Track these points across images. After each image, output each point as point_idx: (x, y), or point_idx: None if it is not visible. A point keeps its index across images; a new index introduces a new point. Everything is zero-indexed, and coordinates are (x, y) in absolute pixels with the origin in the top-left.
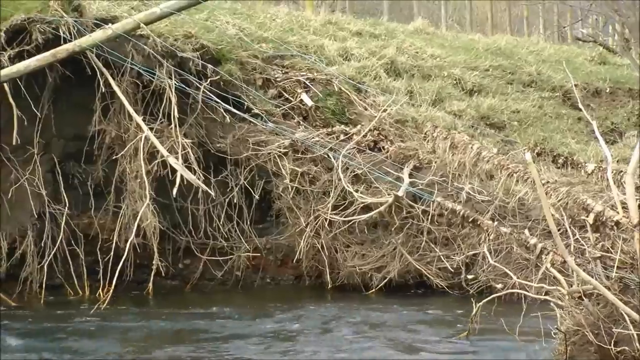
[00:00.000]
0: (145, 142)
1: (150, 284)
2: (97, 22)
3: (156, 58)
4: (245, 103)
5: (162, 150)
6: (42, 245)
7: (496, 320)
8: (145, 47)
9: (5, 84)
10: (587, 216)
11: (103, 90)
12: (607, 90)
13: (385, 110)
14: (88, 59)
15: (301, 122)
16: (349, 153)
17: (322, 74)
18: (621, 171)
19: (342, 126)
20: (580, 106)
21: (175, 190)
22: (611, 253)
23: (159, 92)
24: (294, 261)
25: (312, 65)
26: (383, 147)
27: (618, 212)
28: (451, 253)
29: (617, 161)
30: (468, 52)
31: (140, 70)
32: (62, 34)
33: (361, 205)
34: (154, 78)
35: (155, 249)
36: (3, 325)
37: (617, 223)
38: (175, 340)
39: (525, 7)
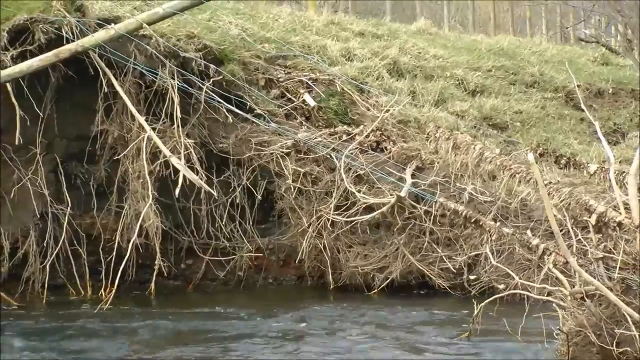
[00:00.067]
0: (148, 142)
1: (153, 284)
2: (100, 22)
3: (159, 58)
4: (248, 103)
5: (165, 150)
6: (45, 245)
7: (498, 321)
8: (147, 47)
9: (8, 84)
10: (590, 217)
11: (106, 90)
12: (610, 91)
13: (387, 111)
14: (91, 59)
15: (304, 123)
16: (352, 153)
17: (325, 74)
18: (624, 172)
19: (345, 126)
20: (583, 107)
21: (177, 191)
22: (613, 254)
23: (161, 92)
24: (297, 261)
25: (314, 66)
26: (385, 148)
27: (620, 213)
28: (453, 254)
29: (620, 162)
30: (471, 53)
31: (143, 71)
32: (64, 34)
33: (363, 205)
34: (156, 78)
35: (158, 249)
36: (6, 325)
37: (620, 224)
38: (180, 341)
39: (527, 8)
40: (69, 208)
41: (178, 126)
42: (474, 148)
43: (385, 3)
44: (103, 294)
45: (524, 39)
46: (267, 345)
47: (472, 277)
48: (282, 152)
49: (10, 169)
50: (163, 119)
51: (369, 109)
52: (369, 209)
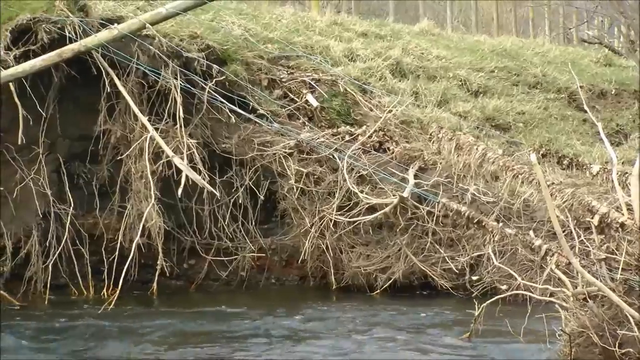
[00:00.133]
0: (151, 142)
1: (155, 284)
2: (103, 22)
3: (162, 58)
4: (251, 103)
5: (168, 150)
6: (47, 245)
7: (501, 321)
8: (150, 47)
9: (11, 84)
10: (592, 218)
11: (108, 90)
12: (613, 92)
13: (390, 111)
14: (94, 59)
15: (306, 123)
16: (354, 154)
17: (328, 75)
18: (626, 173)
19: (348, 127)
20: (586, 108)
21: (180, 191)
22: (616, 255)
23: (164, 93)
24: (299, 262)
25: (317, 66)
26: (388, 148)
27: (623, 214)
28: (456, 254)
29: (622, 163)
30: (473, 54)
31: (146, 71)
32: (67, 33)
33: (366, 206)
34: (159, 78)
35: (160, 249)
36: (9, 326)
37: (622, 225)
38: (184, 341)
39: (530, 9)
40: (71, 208)
41: (181, 126)
42: (476, 149)
43: (388, 4)
44: (105, 293)
45: (527, 40)
46: (270, 346)
47: (474, 278)
48: (285, 152)
49: (13, 169)
50: (166, 119)
51: (371, 110)
52: (372, 209)
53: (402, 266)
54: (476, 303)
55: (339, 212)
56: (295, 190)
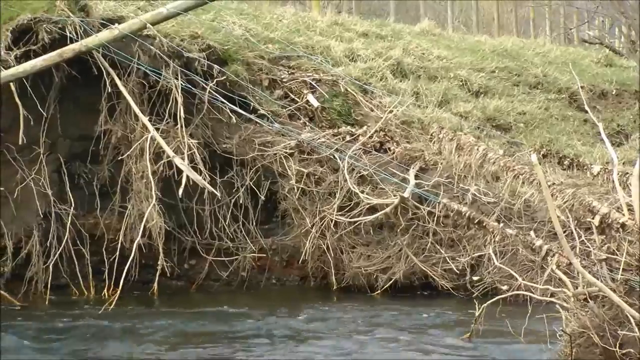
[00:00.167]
0: (151, 142)
1: (156, 285)
2: (104, 22)
3: (162, 58)
4: (252, 104)
5: (168, 150)
6: (48, 245)
7: (501, 322)
8: (151, 47)
9: (11, 84)
10: (593, 218)
11: (109, 90)
12: (613, 92)
13: (391, 112)
14: (94, 59)
15: (307, 123)
16: (355, 154)
17: (329, 75)
18: (627, 173)
19: (348, 127)
20: (587, 108)
21: (181, 191)
22: (617, 255)
23: (165, 93)
24: (300, 262)
25: (318, 66)
26: (389, 148)
27: (624, 214)
28: (457, 254)
29: (623, 163)
30: (474, 54)
31: (147, 71)
32: (68, 33)
33: (367, 206)
34: (160, 78)
35: (161, 249)
36: (10, 326)
37: (623, 225)
38: (186, 341)
39: (531, 9)
40: (72, 208)
41: (181, 126)
42: (477, 149)
43: (389, 4)
44: (106, 293)
45: (528, 40)
46: (272, 346)
47: (475, 278)
48: (286, 152)
49: (14, 169)
50: (166, 119)
51: (372, 110)
52: (373, 209)
53: (403, 266)
54: (477, 303)
55: (339, 213)
56: (296, 190)
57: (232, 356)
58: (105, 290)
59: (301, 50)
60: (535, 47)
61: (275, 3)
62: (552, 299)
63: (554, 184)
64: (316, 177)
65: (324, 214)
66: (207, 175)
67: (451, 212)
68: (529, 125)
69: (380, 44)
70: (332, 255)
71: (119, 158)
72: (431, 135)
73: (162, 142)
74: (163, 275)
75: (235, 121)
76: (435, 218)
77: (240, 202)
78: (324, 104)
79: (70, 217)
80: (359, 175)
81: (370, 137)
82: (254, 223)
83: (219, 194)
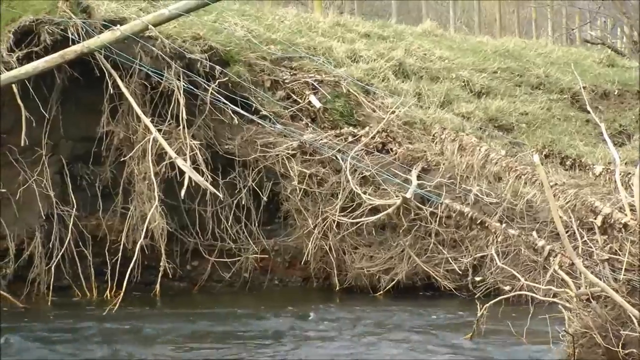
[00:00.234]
0: (154, 143)
1: (158, 286)
2: (106, 23)
3: (164, 59)
4: (254, 104)
5: (170, 151)
6: (50, 246)
7: (504, 322)
8: (153, 48)
9: (13, 85)
10: (595, 218)
11: (111, 92)
12: (616, 93)
13: (393, 112)
14: (96, 60)
15: (309, 124)
16: (357, 155)
17: (331, 76)
18: (629, 173)
19: (351, 128)
20: (589, 108)
21: (183, 192)
22: (619, 255)
23: (167, 94)
24: (302, 263)
25: (320, 67)
26: (391, 149)
27: (626, 214)
28: (459, 255)
29: (625, 163)
30: (476, 54)
31: (149, 72)
32: (70, 35)
33: (369, 207)
34: (162, 79)
35: (163, 251)
36: (13, 327)
37: (625, 225)
38: (188, 342)
39: (533, 10)
40: (74, 209)
41: (184, 127)
42: (479, 149)
43: (391, 4)
44: (108, 295)
45: (530, 41)
46: (278, 347)
47: (477, 279)
48: (288, 153)
49: (16, 170)
50: (169, 121)
51: (374, 111)
52: (375, 210)
53: (405, 267)
54: (479, 304)
55: (342, 213)
56: (298, 191)
57: (243, 357)
58: (108, 291)
59: (303, 51)
60: (538, 48)
61: (277, 4)
62: (555, 300)
63: (556, 184)
64: (318, 178)
65: (326, 215)
66: (209, 177)
67: (453, 212)
68: (531, 126)
69: (382, 45)
70: (335, 256)
71: (121, 159)
72: (433, 135)
73: (164, 144)
74: (165, 276)
75: (237, 122)
76: (438, 219)
77: (243, 203)
78: (326, 105)
79: (72, 219)
80: (361, 176)
81: (373, 138)
82: (257, 224)
83: (221, 195)
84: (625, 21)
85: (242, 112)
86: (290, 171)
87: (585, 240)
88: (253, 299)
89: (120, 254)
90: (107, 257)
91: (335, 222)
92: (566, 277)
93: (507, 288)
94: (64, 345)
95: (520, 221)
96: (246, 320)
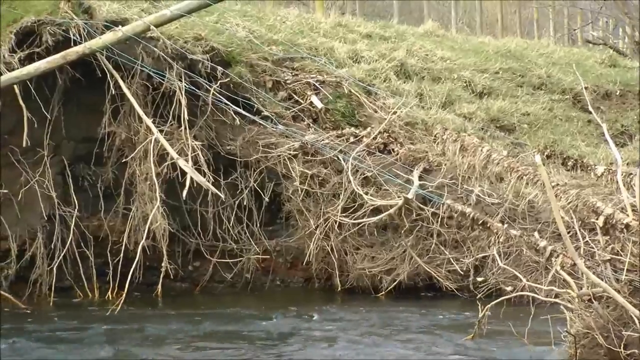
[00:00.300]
0: (155, 144)
1: (160, 286)
2: (107, 24)
3: (166, 60)
4: (255, 105)
5: (172, 152)
6: (52, 247)
7: (505, 323)
8: (155, 49)
9: (15, 86)
10: (597, 219)
11: (113, 93)
12: (617, 93)
13: (395, 113)
14: (98, 61)
15: (311, 125)
16: (359, 155)
17: (332, 76)
18: (631, 174)
19: (352, 128)
20: (590, 109)
21: (185, 193)
22: (621, 256)
23: (169, 95)
24: (304, 263)
25: (322, 68)
26: (393, 150)
27: (628, 215)
28: (461, 256)
29: (627, 164)
30: (478, 55)
31: (150, 73)
32: (72, 36)
33: (371, 207)
34: (164, 80)
35: (165, 251)
36: (15, 328)
37: (627, 226)
38: (191, 342)
39: (535, 10)
40: (76, 210)
41: (185, 128)
42: (481, 150)
43: (392, 5)
44: (110, 295)
45: (532, 41)
46: (280, 347)
47: (479, 279)
48: (290, 154)
49: (18, 171)
50: (170, 121)
51: (376, 111)
52: (376, 211)
53: (407, 268)
54: (480, 304)
55: (343, 214)
56: (299, 192)
57: (250, 357)
58: (110, 292)
59: (305, 51)
60: (539, 48)
61: (279, 4)
62: (557, 300)
63: (558, 184)
64: (320, 178)
65: (328, 216)
66: (210, 177)
67: (455, 213)
68: (533, 126)
69: (383, 45)
70: (336, 256)
71: (123, 160)
72: (435, 136)
73: (166, 144)
74: (167, 277)
75: (239, 123)
76: (439, 219)
77: (244, 203)
78: (328, 106)
79: (74, 219)
80: (363, 176)
81: (374, 138)
82: (258, 225)
83: (222, 196)
84: (627, 21)
85: (243, 112)
86: (292, 172)
87: (587, 241)
88: (255, 300)
89: (122, 255)
90: (109, 257)
91: (337, 222)
92: (568, 278)
93: (509, 289)
94: (66, 346)
95: (522, 222)
96: (250, 320)
